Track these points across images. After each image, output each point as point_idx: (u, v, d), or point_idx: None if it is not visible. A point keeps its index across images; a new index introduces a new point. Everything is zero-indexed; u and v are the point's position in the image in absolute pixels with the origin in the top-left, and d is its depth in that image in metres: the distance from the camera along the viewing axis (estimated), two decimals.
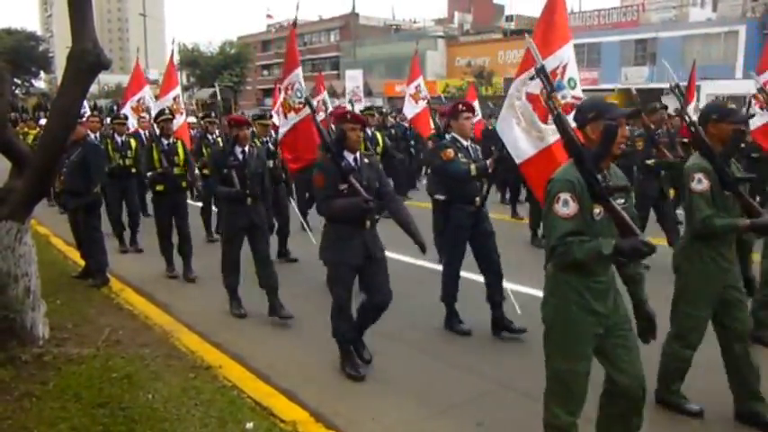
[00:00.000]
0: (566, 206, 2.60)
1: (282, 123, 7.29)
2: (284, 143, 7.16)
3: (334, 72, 49.51)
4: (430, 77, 39.95)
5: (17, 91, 41.68)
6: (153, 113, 8.51)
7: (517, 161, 4.79)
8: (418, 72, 11.62)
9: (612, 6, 36.03)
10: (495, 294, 4.90)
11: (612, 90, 29.48)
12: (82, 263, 6.81)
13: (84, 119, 7.08)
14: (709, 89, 24.32)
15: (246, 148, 5.43)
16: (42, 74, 64.20)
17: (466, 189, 4.84)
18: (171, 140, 6.82)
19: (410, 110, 11.40)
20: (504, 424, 3.53)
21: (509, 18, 44.32)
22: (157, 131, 6.92)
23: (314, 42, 56.60)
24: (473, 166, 4.67)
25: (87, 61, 4.40)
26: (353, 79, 33.75)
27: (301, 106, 6.87)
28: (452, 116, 4.92)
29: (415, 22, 56.76)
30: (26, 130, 14.42)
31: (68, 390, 3.84)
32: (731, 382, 3.53)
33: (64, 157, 5.76)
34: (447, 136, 5.25)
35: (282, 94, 7.27)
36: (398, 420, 3.63)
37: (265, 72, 61.78)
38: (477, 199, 4.82)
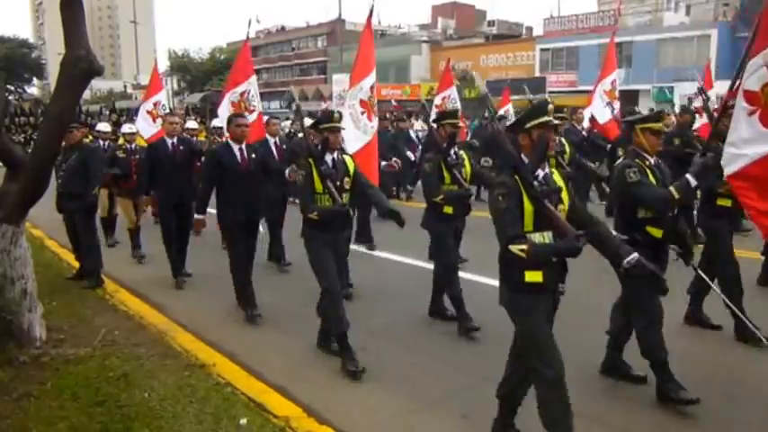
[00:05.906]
0: None
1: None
2: None
3: (322, 76, 49.62)
4: (414, 81, 40.26)
5: (10, 97, 41.26)
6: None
7: None
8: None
9: (590, 11, 36.53)
10: None
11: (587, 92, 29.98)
12: (76, 264, 6.83)
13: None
14: (683, 90, 24.93)
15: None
16: (35, 80, 63.62)
17: None
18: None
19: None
20: (488, 416, 3.57)
21: (491, 23, 44.96)
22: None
23: (302, 48, 56.67)
24: None
25: (80, 68, 4.46)
26: (341, 83, 33.76)
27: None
28: None
29: (399, 27, 56.81)
30: None
31: (66, 389, 3.90)
32: None
33: (59, 161, 5.83)
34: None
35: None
36: (387, 414, 3.72)
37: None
38: None
